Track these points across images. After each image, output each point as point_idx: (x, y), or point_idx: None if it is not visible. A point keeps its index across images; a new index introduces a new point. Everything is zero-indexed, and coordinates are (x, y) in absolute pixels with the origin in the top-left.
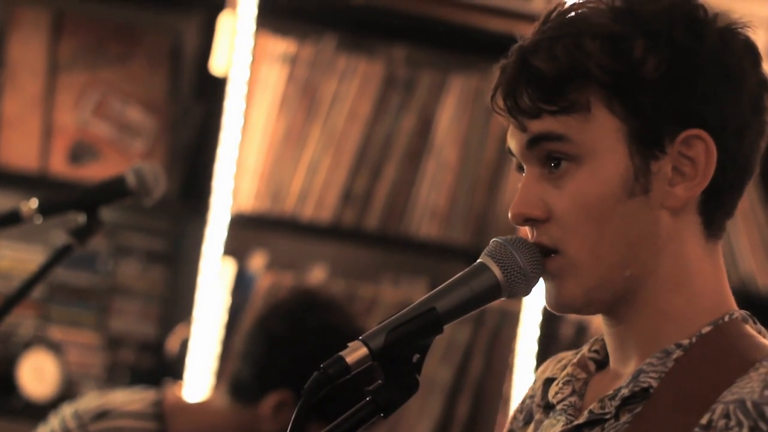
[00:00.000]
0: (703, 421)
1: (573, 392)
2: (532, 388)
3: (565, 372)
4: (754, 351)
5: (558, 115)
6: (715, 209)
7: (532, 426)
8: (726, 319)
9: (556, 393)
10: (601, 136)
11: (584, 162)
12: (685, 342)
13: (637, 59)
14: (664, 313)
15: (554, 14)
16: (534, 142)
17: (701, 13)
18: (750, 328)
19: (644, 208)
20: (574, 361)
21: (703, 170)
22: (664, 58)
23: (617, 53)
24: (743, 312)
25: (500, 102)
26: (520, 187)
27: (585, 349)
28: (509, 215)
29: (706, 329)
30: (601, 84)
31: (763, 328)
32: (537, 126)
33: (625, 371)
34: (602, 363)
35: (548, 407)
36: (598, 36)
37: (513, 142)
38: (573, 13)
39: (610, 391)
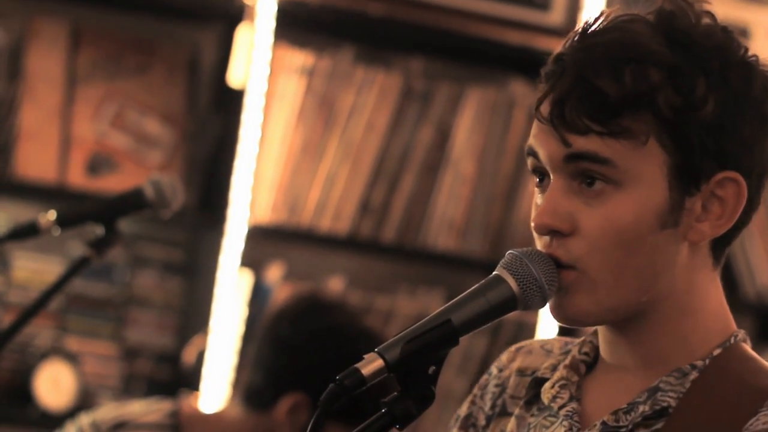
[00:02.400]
0: None
1: (572, 397)
2: (499, 377)
3: (558, 374)
4: (762, 376)
5: (606, 138)
6: (725, 243)
7: (513, 421)
8: (732, 341)
9: (555, 397)
10: (647, 166)
11: (623, 187)
12: (699, 363)
13: (699, 98)
14: (674, 335)
15: (596, 26)
16: (573, 158)
17: (746, 54)
18: (748, 348)
19: (671, 241)
20: (566, 363)
21: (731, 211)
22: (719, 100)
23: (682, 89)
24: (742, 331)
25: (545, 111)
26: (546, 195)
27: (575, 350)
28: (532, 224)
29: (717, 351)
30: (659, 117)
31: (749, 341)
32: (582, 143)
33: (627, 381)
34: (591, 364)
35: (530, 403)
36: (662, 66)
37: (543, 150)
38: (621, 32)
39: (624, 405)
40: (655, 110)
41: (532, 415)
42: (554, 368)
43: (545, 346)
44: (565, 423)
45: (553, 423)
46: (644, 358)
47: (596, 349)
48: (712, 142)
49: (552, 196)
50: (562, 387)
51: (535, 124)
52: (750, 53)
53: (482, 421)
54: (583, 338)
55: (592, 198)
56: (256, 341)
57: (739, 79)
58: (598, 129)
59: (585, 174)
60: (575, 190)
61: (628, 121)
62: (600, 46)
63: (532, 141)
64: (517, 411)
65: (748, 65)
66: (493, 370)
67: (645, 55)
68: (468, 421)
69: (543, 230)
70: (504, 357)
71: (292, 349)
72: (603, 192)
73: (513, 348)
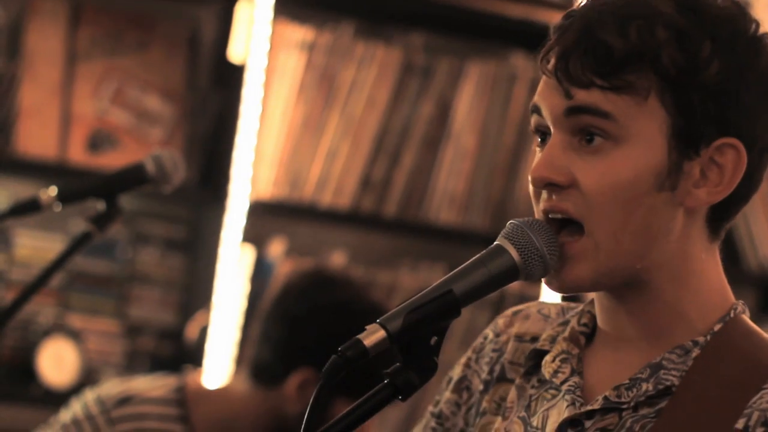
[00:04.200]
0: (739, 425)
1: (573, 371)
2: (496, 342)
3: (558, 347)
4: (765, 351)
5: (608, 92)
6: (722, 217)
7: (513, 391)
8: (731, 315)
9: (556, 371)
10: (647, 124)
11: (622, 144)
12: (701, 340)
13: (703, 60)
14: (672, 308)
15: None
16: (574, 111)
17: (756, 27)
18: (747, 320)
19: (667, 204)
20: (566, 335)
21: (729, 178)
22: (724, 66)
23: (687, 49)
24: (740, 303)
25: (550, 64)
26: (544, 150)
27: (573, 321)
28: (530, 177)
29: (717, 326)
30: (661, 75)
31: (747, 311)
32: (583, 96)
33: (628, 355)
34: (590, 335)
35: (529, 374)
36: (669, 27)
37: (546, 104)
38: None
39: (626, 380)
40: (658, 68)
41: (533, 387)
42: (553, 340)
43: (542, 311)
44: (567, 397)
45: (554, 396)
46: (643, 329)
47: (594, 319)
48: (714, 106)
49: (550, 150)
50: (563, 361)
51: (542, 81)
52: (762, 30)
53: (479, 386)
54: (581, 307)
55: (591, 154)
56: (263, 317)
57: (747, 51)
58: (600, 83)
59: (585, 130)
60: (575, 147)
61: (632, 76)
62: (609, 4)
63: (536, 97)
64: (517, 381)
65: (757, 39)
66: (489, 333)
67: (653, 14)
68: (462, 384)
69: (539, 183)
70: (500, 321)
71: (300, 324)
72: (602, 148)
73: (509, 312)
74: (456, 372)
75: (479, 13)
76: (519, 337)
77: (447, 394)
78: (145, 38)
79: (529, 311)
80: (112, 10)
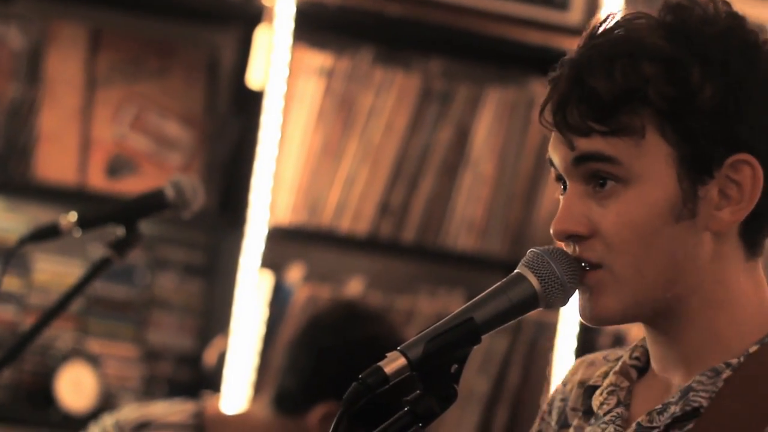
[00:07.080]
0: None
1: (619, 402)
2: (563, 392)
3: (607, 381)
4: None
5: (608, 136)
6: (756, 232)
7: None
8: None
9: (602, 403)
10: (651, 160)
11: (632, 184)
12: (734, 361)
13: (694, 87)
14: (708, 331)
15: (603, 27)
16: (581, 161)
17: (755, 38)
18: None
19: (690, 232)
20: (616, 369)
21: (749, 194)
22: (719, 86)
23: (675, 80)
24: None
25: (549, 116)
26: (562, 202)
27: (626, 356)
28: (551, 231)
29: (753, 348)
30: (654, 110)
31: None
32: (585, 145)
33: (671, 383)
34: (643, 369)
35: (587, 413)
36: (655, 59)
37: (556, 157)
38: (623, 29)
39: (659, 405)
40: (650, 103)
41: (590, 425)
42: (606, 375)
43: (608, 357)
44: (611, 428)
45: (604, 430)
46: (683, 356)
47: (647, 353)
48: (717, 127)
49: (567, 202)
50: (609, 393)
51: (552, 134)
52: (761, 37)
53: None
54: (635, 344)
55: (605, 198)
56: (290, 345)
57: (743, 64)
58: (599, 128)
59: (596, 175)
60: (590, 194)
61: (625, 117)
62: (598, 47)
63: (549, 150)
64: (576, 422)
65: (754, 48)
66: (560, 385)
67: (639, 49)
68: None
69: (561, 236)
70: (569, 370)
71: (329, 356)
72: (614, 191)
73: (578, 360)
74: (534, 427)
75: (498, 40)
76: (581, 384)
77: None
78: (165, 64)
79: (595, 358)
80: (132, 36)
